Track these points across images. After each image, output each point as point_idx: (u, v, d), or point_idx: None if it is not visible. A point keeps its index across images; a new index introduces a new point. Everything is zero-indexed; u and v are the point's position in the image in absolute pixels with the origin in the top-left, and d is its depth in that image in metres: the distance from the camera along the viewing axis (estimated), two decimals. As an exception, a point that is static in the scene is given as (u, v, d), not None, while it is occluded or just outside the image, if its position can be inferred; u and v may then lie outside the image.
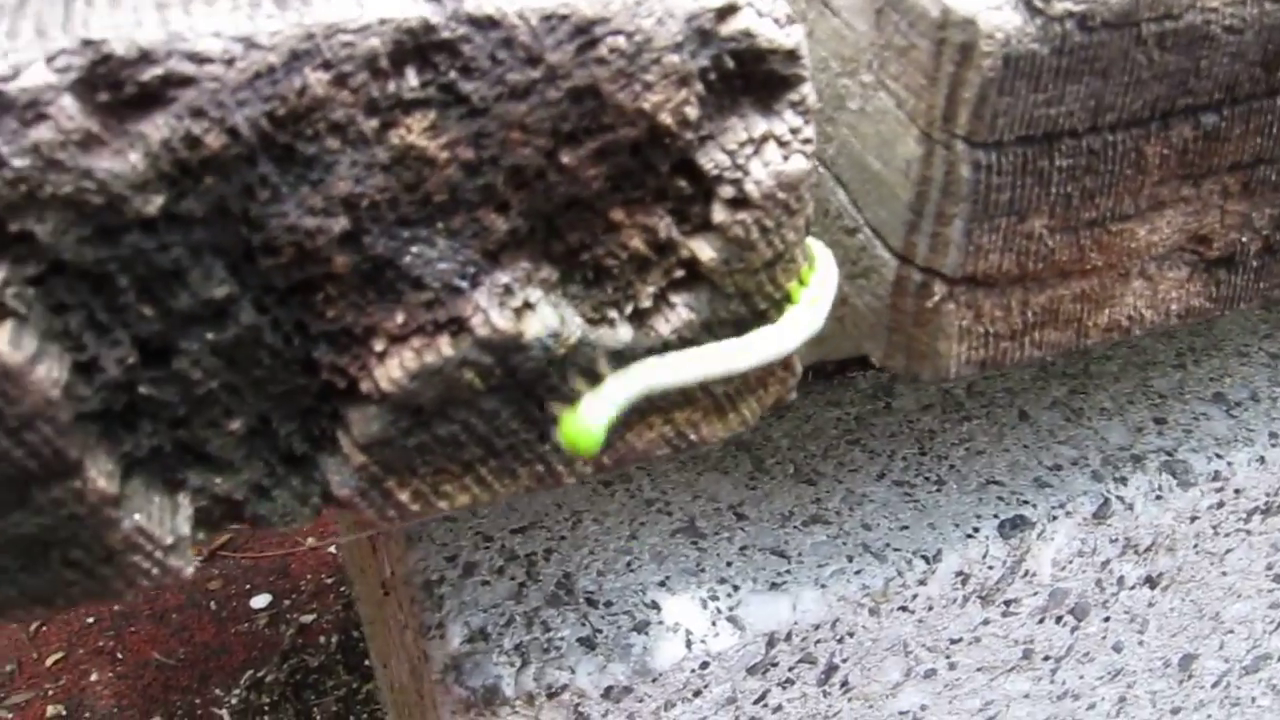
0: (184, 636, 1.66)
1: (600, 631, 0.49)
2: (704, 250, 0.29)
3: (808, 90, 0.29)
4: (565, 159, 0.28)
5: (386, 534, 0.59)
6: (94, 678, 1.61)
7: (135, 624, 1.68)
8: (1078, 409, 0.63)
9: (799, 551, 0.53)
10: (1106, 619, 0.62)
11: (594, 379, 0.29)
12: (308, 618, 1.67)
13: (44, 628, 1.69)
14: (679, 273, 0.30)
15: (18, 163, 0.23)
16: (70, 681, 1.60)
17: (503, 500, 0.31)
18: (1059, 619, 0.60)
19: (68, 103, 0.23)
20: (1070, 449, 0.60)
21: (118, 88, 0.24)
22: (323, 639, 1.63)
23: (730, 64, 0.28)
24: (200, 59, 0.24)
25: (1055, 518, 0.56)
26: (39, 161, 0.23)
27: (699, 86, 0.28)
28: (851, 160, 0.36)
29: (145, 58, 0.24)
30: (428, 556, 0.53)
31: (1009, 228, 0.33)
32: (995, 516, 0.55)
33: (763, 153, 0.29)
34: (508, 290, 0.28)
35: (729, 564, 0.53)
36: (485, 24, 0.26)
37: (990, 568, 0.55)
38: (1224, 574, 0.65)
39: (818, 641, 0.52)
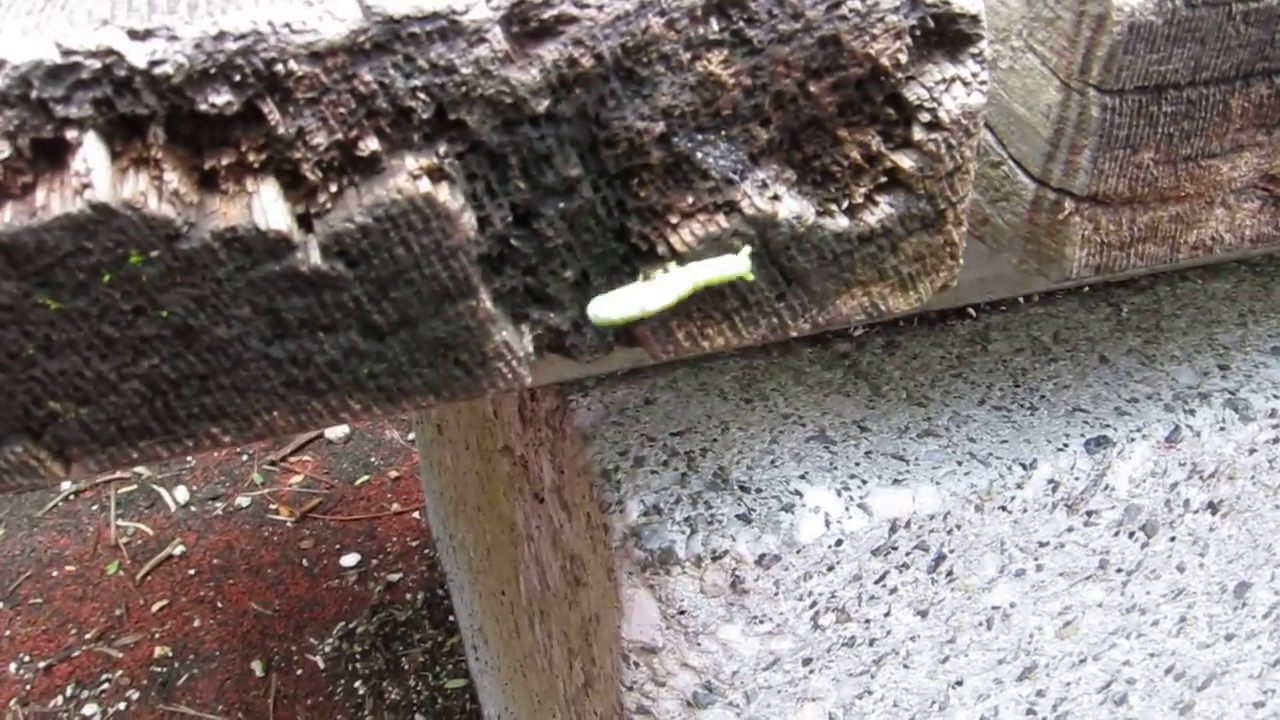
0: (279, 590, 1.77)
1: (754, 510, 0.60)
2: (904, 161, 0.40)
3: (985, 45, 0.39)
4: (812, 88, 0.38)
5: (557, 440, 0.69)
6: (196, 624, 1.73)
7: (233, 577, 1.80)
8: (1151, 355, 0.72)
9: (915, 457, 0.63)
10: (1172, 538, 0.71)
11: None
12: (394, 576, 1.78)
13: (149, 577, 1.81)
14: (883, 178, 0.40)
15: (464, 71, 0.34)
16: (175, 626, 1.73)
17: (745, 343, 0.41)
18: (1131, 534, 0.69)
19: (497, 31, 0.34)
20: (1145, 386, 0.69)
21: (526, 22, 0.34)
22: (409, 596, 1.74)
23: (931, 23, 0.39)
24: (582, 4, 0.35)
25: (1133, 440, 0.65)
26: (476, 71, 0.34)
27: (908, 39, 0.38)
28: (999, 108, 0.46)
29: (546, 2, 0.34)
30: (603, 451, 0.63)
31: (1124, 158, 0.43)
32: (1081, 436, 0.65)
33: (951, 90, 0.39)
34: (764, 184, 0.39)
35: (857, 464, 0.63)
36: (766, -13, 0.36)
37: (1076, 478, 0.65)
38: (1277, 507, 0.74)
39: (931, 531, 0.62)
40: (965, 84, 0.39)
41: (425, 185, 0.34)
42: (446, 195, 0.34)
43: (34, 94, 0.31)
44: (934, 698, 0.72)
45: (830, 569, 0.61)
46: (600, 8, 0.35)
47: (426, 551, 1.82)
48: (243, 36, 0.32)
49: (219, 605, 1.76)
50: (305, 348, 0.35)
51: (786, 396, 0.68)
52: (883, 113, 0.39)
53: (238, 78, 0.32)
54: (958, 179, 0.41)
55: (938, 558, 0.64)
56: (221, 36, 0.32)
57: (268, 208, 0.33)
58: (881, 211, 0.40)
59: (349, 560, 1.82)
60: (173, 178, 0.32)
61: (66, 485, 1.99)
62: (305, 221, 0.34)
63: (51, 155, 0.31)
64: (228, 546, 1.86)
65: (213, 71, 0.32)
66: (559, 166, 0.36)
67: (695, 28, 0.36)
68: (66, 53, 0.31)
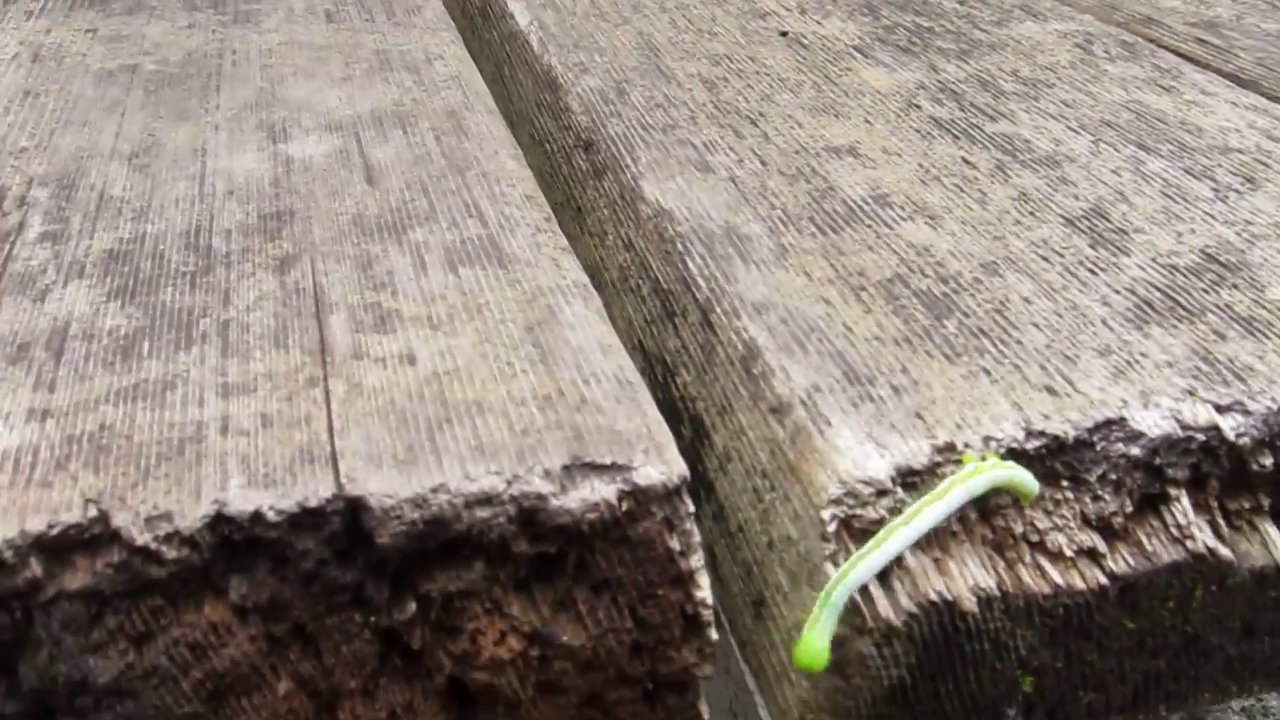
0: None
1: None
2: None
3: None
4: None
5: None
6: None
7: None
8: None
9: None
10: None
11: None
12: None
13: None
14: None
15: None
16: None
17: None
18: None
19: None
20: None
21: None
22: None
23: None
24: None
25: None
26: None
27: None
28: None
29: None
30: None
31: None
32: None
33: None
34: None
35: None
36: None
37: None
38: None
39: None
40: None
41: (1386, 529, 0.40)
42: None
43: (1156, 460, 0.37)
44: None
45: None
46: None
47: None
48: (1297, 413, 0.38)
49: None
50: (1255, 648, 0.42)
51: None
52: None
53: (1277, 443, 0.39)
54: None
55: None
56: (1278, 412, 0.38)
57: (1277, 545, 0.39)
58: None
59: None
60: (1221, 522, 0.39)
61: None
62: (1285, 552, 0.41)
63: (1145, 506, 0.38)
64: None
65: (1265, 440, 0.38)
66: None
67: None
68: (1185, 427, 0.37)
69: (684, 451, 0.46)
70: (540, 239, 0.47)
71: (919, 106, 0.60)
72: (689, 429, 0.46)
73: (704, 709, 0.38)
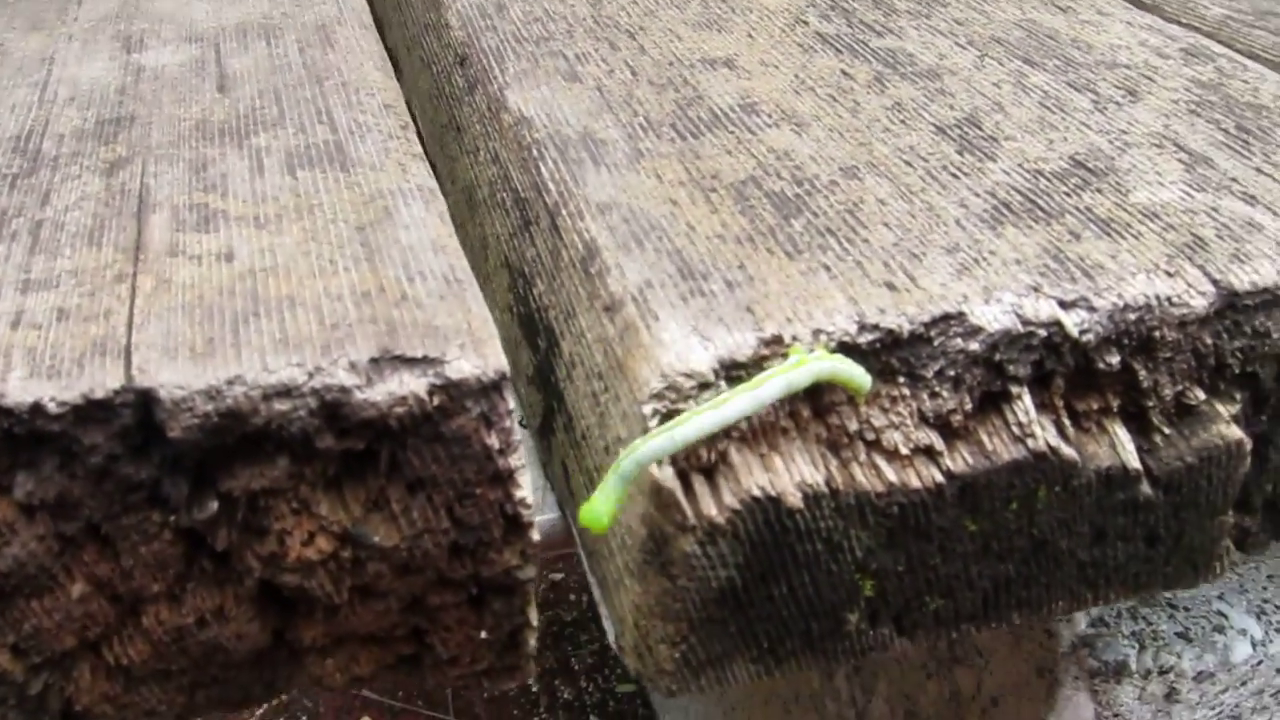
0: (439, 580, 1.83)
1: (1190, 629, 0.66)
2: None
3: None
4: None
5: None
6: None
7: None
8: None
9: (1314, 585, 0.70)
10: None
11: None
12: (556, 575, 1.84)
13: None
14: None
15: (1275, 334, 0.40)
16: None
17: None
18: None
19: None
20: None
21: None
22: (573, 596, 1.81)
23: None
24: None
25: None
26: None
27: None
28: None
29: None
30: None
31: None
32: None
33: None
34: None
35: (1264, 588, 0.69)
36: None
37: None
38: None
39: (1330, 655, 0.69)
40: None
41: (1236, 431, 0.40)
42: (1241, 435, 0.40)
43: (996, 356, 0.36)
44: (1269, 790, 0.79)
45: (1243, 684, 0.67)
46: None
47: (582, 553, 1.88)
48: (1138, 309, 0.38)
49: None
50: (1106, 553, 0.41)
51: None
52: None
53: (1124, 341, 0.38)
54: None
55: (1326, 677, 0.71)
56: (1125, 309, 0.37)
57: (1125, 447, 0.39)
58: None
59: (505, 555, 1.87)
60: (1066, 422, 0.38)
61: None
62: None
63: (987, 404, 0.37)
64: (385, 532, 1.91)
65: (1111, 337, 0.38)
66: (1303, 405, 0.42)
67: None
68: (1025, 322, 0.36)
69: (539, 364, 0.45)
70: (391, 145, 0.45)
71: (806, 22, 0.59)
72: (544, 339, 0.44)
73: (533, 615, 0.37)
